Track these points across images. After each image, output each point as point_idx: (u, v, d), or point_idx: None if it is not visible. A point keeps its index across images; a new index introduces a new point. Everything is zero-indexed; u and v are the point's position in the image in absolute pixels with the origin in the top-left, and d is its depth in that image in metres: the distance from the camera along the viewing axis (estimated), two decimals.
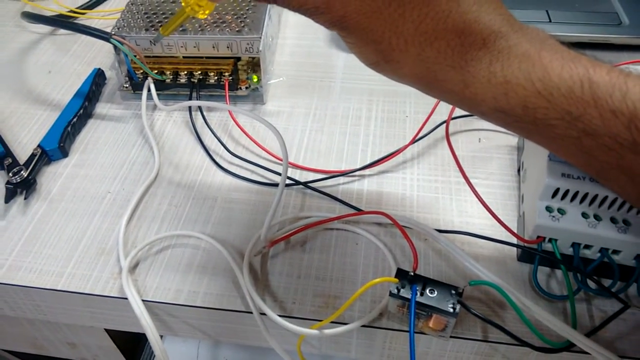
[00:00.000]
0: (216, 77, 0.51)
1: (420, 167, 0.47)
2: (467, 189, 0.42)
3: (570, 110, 0.25)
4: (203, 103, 0.49)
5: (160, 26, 0.48)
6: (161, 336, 0.50)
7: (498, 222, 0.39)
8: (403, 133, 0.50)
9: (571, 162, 0.29)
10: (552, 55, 0.26)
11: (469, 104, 0.28)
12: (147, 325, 0.37)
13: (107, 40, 0.49)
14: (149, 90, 0.52)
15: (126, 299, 0.37)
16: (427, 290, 0.33)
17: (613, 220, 0.35)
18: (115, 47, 0.50)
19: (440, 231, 0.40)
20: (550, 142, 0.28)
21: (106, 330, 0.49)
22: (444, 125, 0.45)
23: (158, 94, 0.51)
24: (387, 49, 0.28)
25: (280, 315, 0.36)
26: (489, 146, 0.48)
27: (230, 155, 0.48)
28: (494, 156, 0.47)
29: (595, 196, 0.35)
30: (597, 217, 0.35)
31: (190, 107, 0.51)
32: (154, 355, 0.50)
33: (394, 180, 0.46)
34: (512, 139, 0.49)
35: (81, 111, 0.51)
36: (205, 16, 0.36)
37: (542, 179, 0.36)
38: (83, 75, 0.55)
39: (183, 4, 0.36)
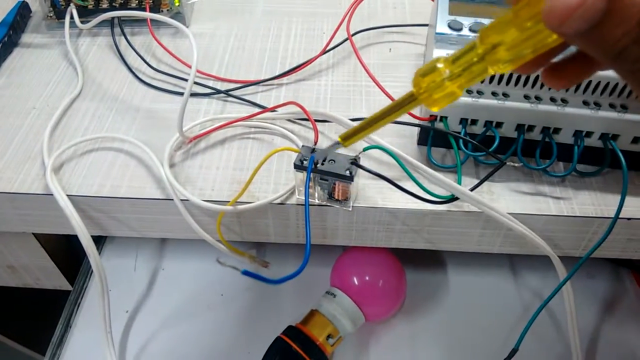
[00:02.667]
0: (137, 1, 0.53)
1: (334, 75, 0.50)
2: (377, 90, 0.46)
3: None
4: (123, 13, 0.50)
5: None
6: (99, 252, 0.52)
7: None
8: (321, 48, 0.53)
9: None
10: None
11: None
12: (73, 217, 0.39)
13: None
14: (72, 17, 0.53)
15: (51, 195, 0.39)
16: (328, 161, 0.37)
17: (494, 93, 0.39)
18: None
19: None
20: None
21: (43, 246, 0.50)
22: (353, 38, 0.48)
23: (82, 21, 0.53)
24: None
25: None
26: (398, 55, 0.52)
27: (154, 71, 0.50)
28: (402, 63, 0.51)
29: None
30: (479, 92, 0.39)
31: (113, 31, 0.53)
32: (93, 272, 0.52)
33: (309, 86, 0.49)
34: (419, 48, 0.52)
35: (5, 39, 0.52)
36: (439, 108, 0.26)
37: (430, 58, 0.39)
38: (8, 9, 0.56)
39: (415, 89, 0.25)
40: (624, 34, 0.19)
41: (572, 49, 0.24)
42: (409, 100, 0.26)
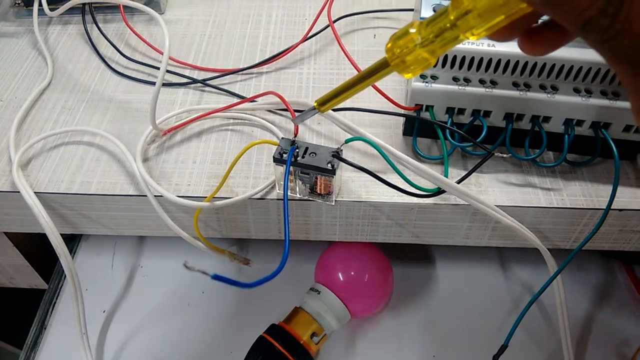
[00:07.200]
0: None
1: (316, 63, 0.48)
2: None
3: None
4: None
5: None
6: (73, 254, 0.51)
7: (385, 97, 0.41)
8: (302, 34, 0.51)
9: None
10: None
11: None
12: (41, 215, 0.37)
13: None
14: (40, 4, 0.50)
15: (18, 192, 0.37)
16: (308, 154, 0.35)
17: (481, 81, 0.37)
18: None
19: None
20: None
21: (15, 245, 0.48)
22: (336, 24, 0.46)
23: (51, 8, 0.50)
24: None
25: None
26: (382, 41, 0.50)
27: (127, 60, 0.48)
28: None
29: (463, 59, 0.37)
30: (466, 80, 0.37)
31: (84, 19, 0.50)
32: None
33: (291, 75, 0.47)
34: None
35: None
36: (412, 75, 0.25)
37: None
38: None
39: (388, 55, 0.25)
40: (590, 4, 0.19)
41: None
42: (382, 67, 0.25)
